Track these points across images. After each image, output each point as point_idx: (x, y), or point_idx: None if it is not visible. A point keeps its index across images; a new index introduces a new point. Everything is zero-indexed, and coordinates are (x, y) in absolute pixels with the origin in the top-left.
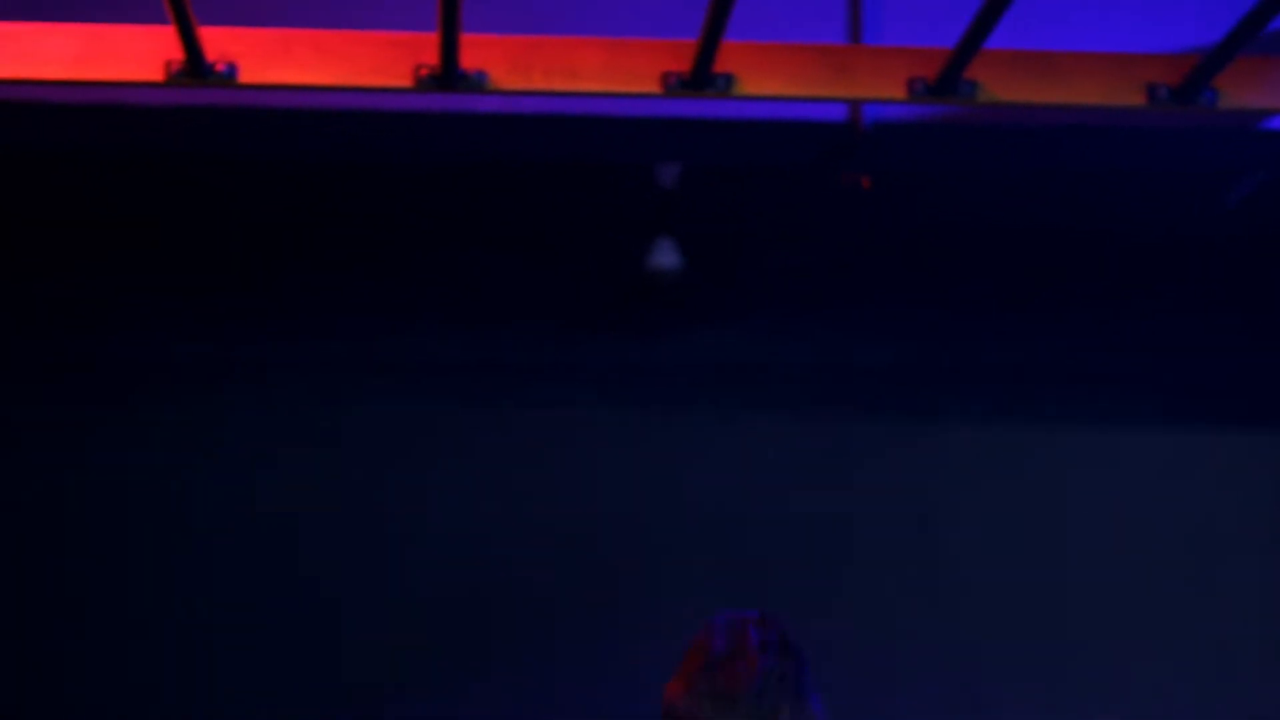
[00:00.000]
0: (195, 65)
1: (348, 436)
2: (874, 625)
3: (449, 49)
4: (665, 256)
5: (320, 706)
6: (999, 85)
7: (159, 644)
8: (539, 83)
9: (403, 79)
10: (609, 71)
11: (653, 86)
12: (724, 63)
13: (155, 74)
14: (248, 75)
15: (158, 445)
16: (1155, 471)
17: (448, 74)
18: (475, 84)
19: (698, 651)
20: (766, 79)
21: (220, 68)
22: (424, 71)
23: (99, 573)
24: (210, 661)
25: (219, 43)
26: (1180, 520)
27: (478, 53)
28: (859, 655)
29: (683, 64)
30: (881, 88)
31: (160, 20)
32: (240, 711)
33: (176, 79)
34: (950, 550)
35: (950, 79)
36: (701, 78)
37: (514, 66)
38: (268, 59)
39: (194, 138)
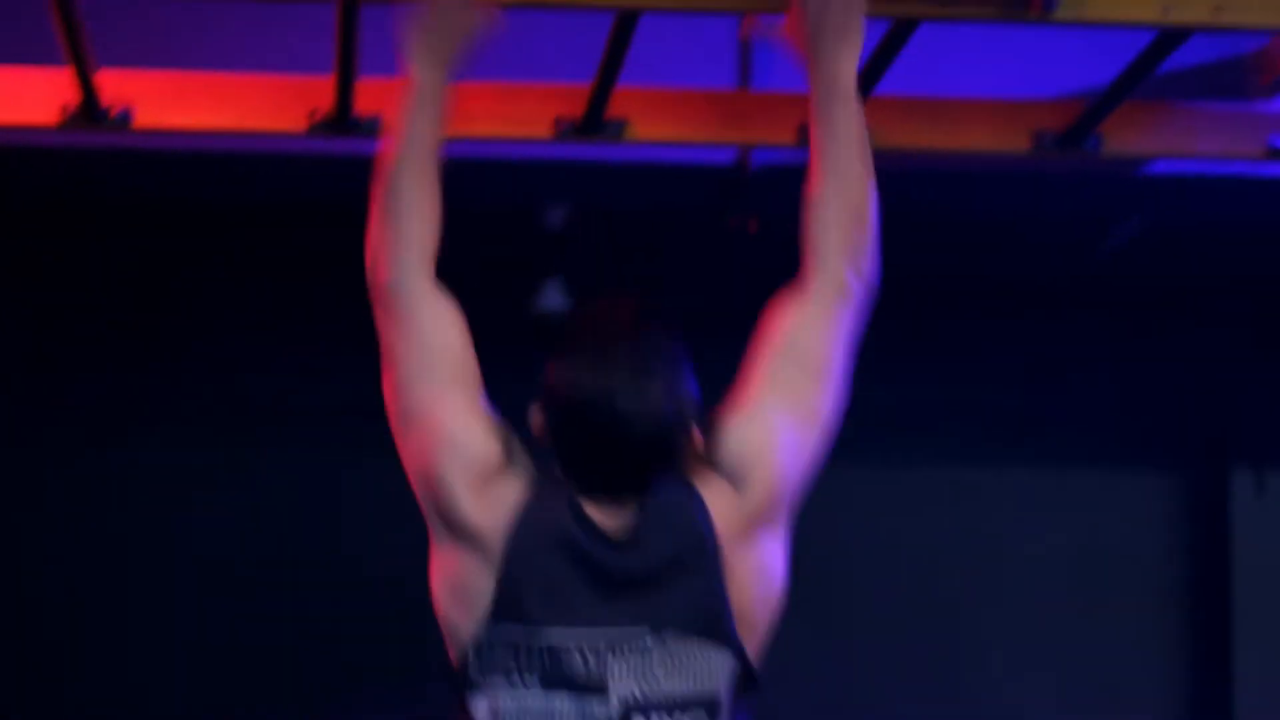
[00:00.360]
0: (90, 109)
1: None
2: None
3: (344, 93)
4: (553, 299)
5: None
6: (887, 131)
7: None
8: None
9: (297, 123)
10: (501, 116)
11: (544, 131)
12: (616, 108)
13: (50, 117)
14: (143, 119)
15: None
16: (1046, 507)
17: (341, 118)
18: (369, 128)
19: (575, 324)
20: (658, 124)
21: (115, 112)
22: (318, 115)
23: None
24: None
25: (115, 85)
26: (1062, 554)
27: (372, 97)
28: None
29: (575, 109)
30: (771, 133)
31: (57, 62)
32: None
33: (71, 122)
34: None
35: None
36: (593, 123)
37: None
38: (163, 102)
39: (89, 179)
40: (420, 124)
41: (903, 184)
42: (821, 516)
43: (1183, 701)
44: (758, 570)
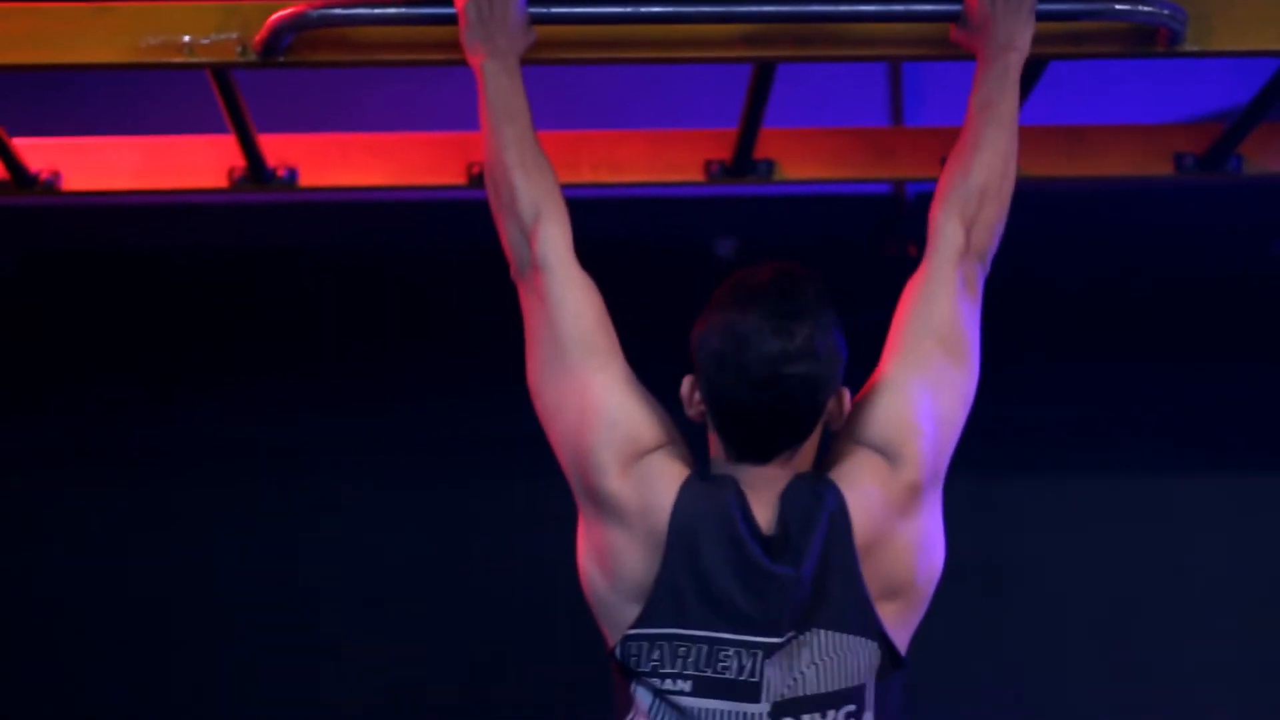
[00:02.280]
0: (257, 171)
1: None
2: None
3: None
4: None
5: None
6: (1029, 160)
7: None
8: (586, 176)
9: (457, 176)
10: (652, 163)
11: (696, 175)
12: (764, 149)
13: (219, 181)
14: (307, 178)
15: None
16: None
17: None
18: None
19: (725, 284)
20: (805, 163)
21: (281, 173)
22: (475, 169)
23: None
24: None
25: (278, 149)
26: (1237, 562)
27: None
28: None
29: (724, 152)
30: (916, 168)
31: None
32: None
33: (240, 185)
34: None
35: None
36: (743, 165)
37: (560, 161)
38: (326, 162)
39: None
40: (500, 113)
41: (1056, 202)
42: (999, 528)
43: None
44: (918, 543)
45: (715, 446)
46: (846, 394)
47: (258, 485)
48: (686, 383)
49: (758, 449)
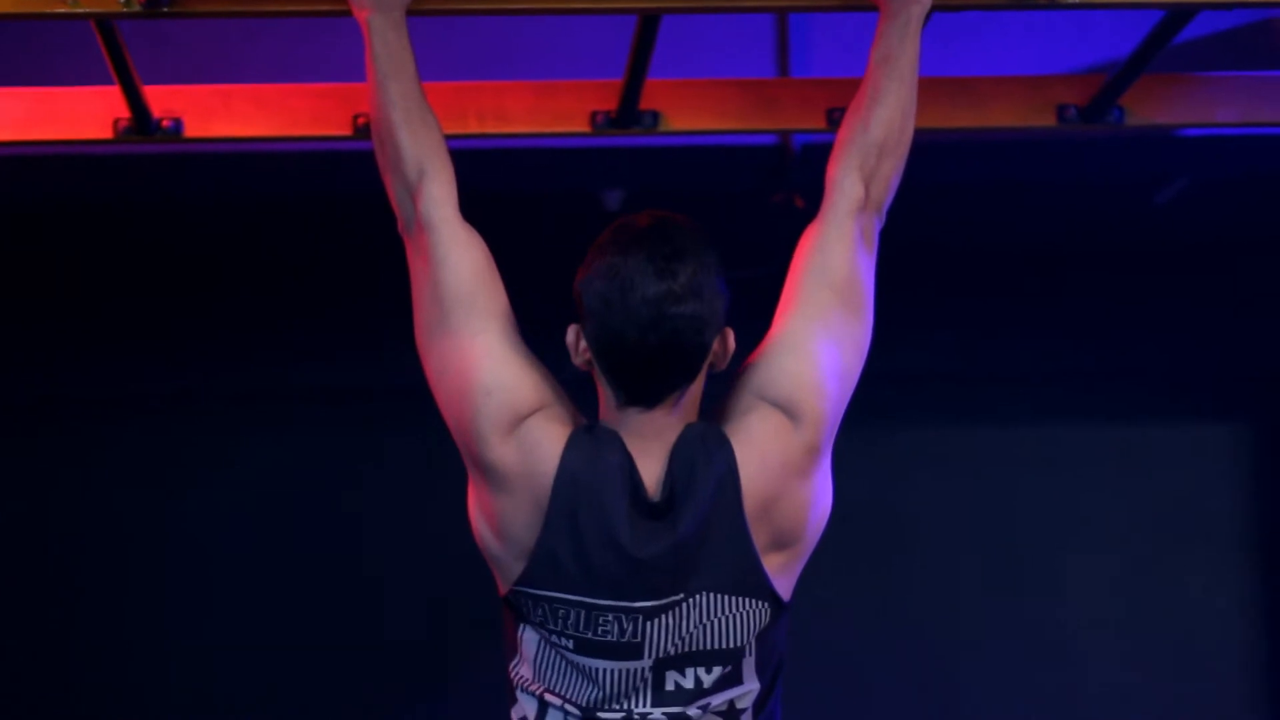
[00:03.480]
0: (142, 122)
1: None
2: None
3: None
4: None
5: None
6: (917, 111)
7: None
8: (473, 126)
9: (342, 128)
10: (538, 114)
11: (581, 126)
12: (650, 100)
13: (104, 131)
14: (193, 130)
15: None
16: (1109, 466)
17: None
18: None
19: (606, 231)
20: (691, 115)
21: (166, 124)
22: (361, 121)
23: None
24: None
25: (163, 100)
26: (1132, 509)
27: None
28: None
29: (609, 103)
30: (801, 119)
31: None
32: None
33: (124, 136)
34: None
35: None
36: (628, 115)
37: (447, 112)
38: (210, 113)
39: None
40: (386, 68)
41: (943, 153)
42: (890, 478)
43: (1261, 652)
44: (810, 499)
45: (603, 394)
46: (730, 333)
47: (133, 435)
48: (571, 331)
49: (646, 392)
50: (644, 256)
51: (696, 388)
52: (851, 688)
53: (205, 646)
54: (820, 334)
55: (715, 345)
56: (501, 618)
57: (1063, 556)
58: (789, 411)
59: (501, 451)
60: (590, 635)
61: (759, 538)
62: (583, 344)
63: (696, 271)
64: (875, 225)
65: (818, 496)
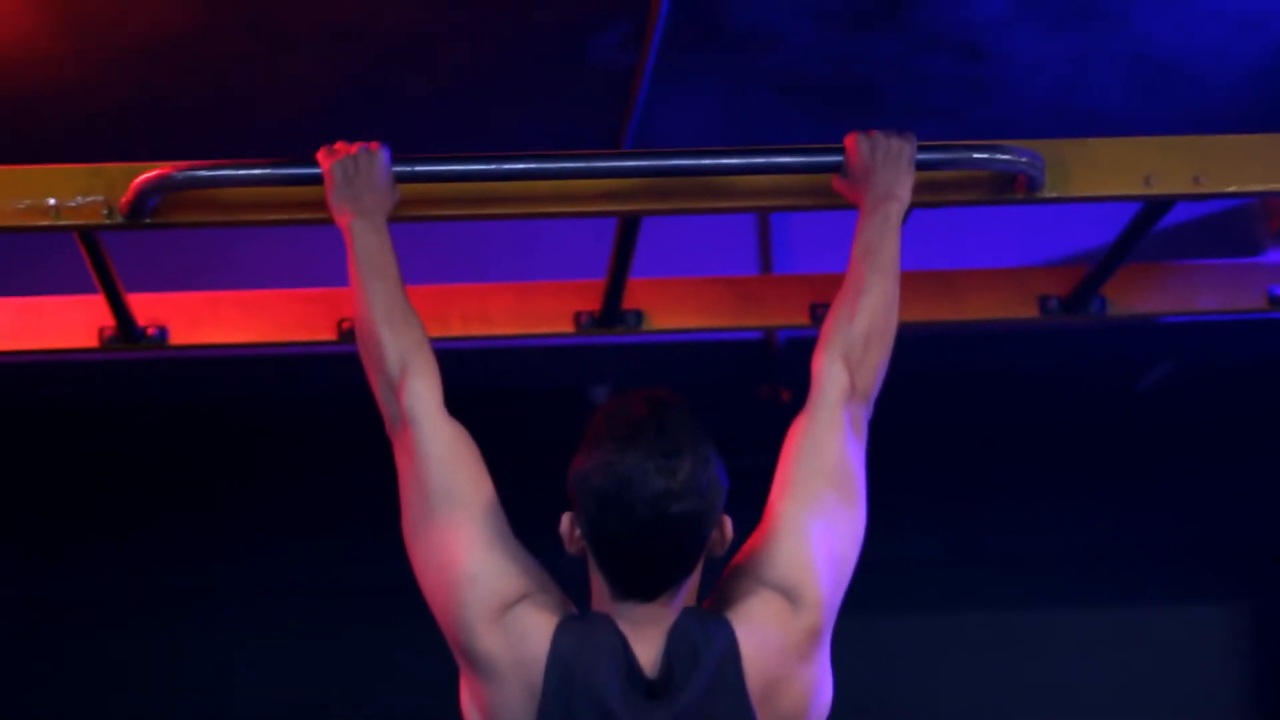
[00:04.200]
0: (127, 331)
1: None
2: None
3: None
4: None
5: None
6: (900, 305)
7: None
8: (456, 329)
9: (327, 333)
10: (521, 315)
11: (565, 326)
12: (633, 299)
13: (89, 340)
14: (178, 337)
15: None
16: (1102, 646)
17: None
18: None
19: (600, 418)
20: (676, 313)
21: (151, 331)
22: (345, 325)
23: None
24: None
25: (148, 308)
26: (1125, 693)
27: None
28: None
29: (593, 303)
30: (786, 315)
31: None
32: None
33: (110, 344)
34: None
35: None
36: (612, 315)
37: (431, 315)
38: (195, 320)
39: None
40: (368, 270)
41: (926, 342)
42: (877, 663)
43: None
44: (813, 685)
45: (596, 583)
46: (728, 521)
47: (118, 636)
48: (565, 519)
49: (642, 588)
50: (642, 454)
51: (695, 577)
52: None
53: None
54: (816, 520)
55: (714, 534)
56: None
57: None
58: (789, 595)
59: (490, 641)
60: None
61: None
62: (577, 533)
63: (695, 466)
64: (864, 414)
65: (820, 684)
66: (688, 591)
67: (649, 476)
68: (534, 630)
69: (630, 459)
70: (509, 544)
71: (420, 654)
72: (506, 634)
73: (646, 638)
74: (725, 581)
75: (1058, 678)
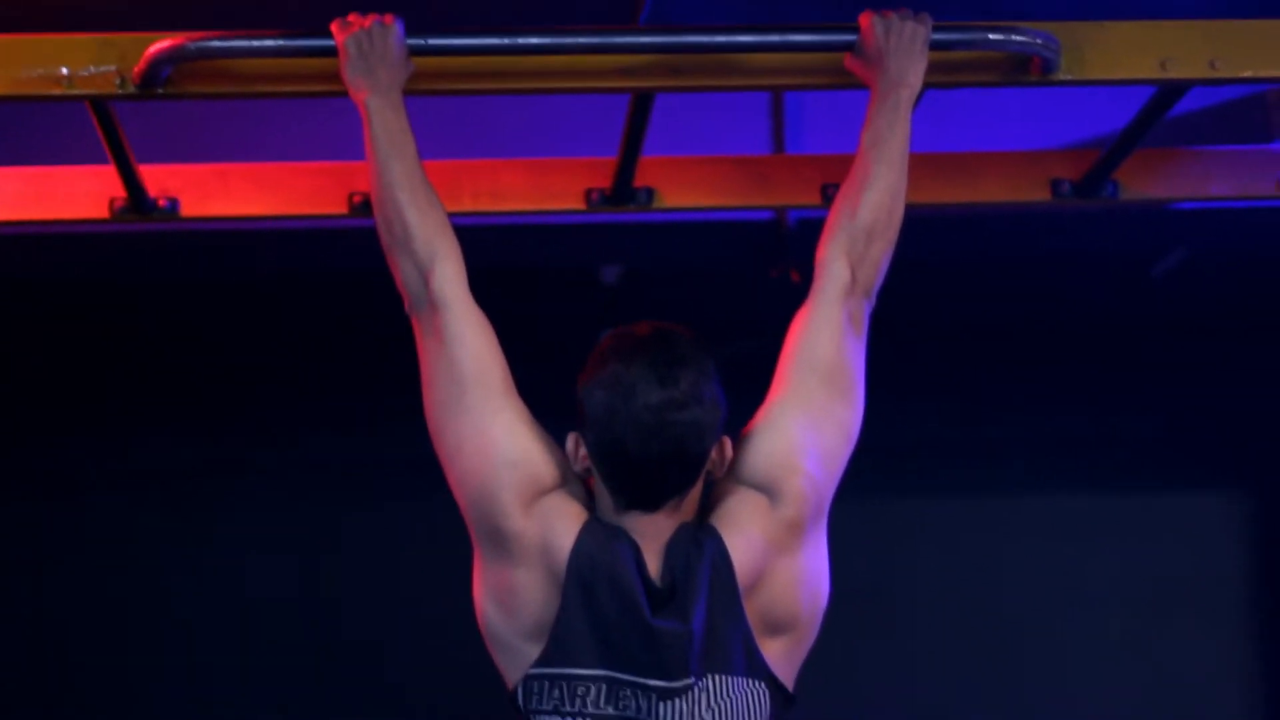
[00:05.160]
0: (138, 202)
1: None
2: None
3: None
4: None
5: None
6: (912, 187)
7: None
8: (468, 204)
9: (338, 206)
10: (533, 191)
11: (576, 203)
12: (645, 177)
13: (100, 211)
14: (189, 209)
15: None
16: (1105, 536)
17: None
18: None
19: (604, 340)
20: (687, 191)
21: (162, 203)
22: (357, 199)
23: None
24: None
25: (159, 179)
26: (1128, 581)
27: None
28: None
29: (604, 181)
30: (797, 195)
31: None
32: None
33: (120, 215)
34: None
35: None
36: (623, 193)
37: (442, 190)
38: (207, 192)
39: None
40: (388, 150)
41: (937, 227)
42: (883, 552)
43: (1259, 711)
44: (801, 579)
45: (602, 500)
46: (728, 442)
47: (126, 510)
48: (571, 439)
49: (646, 498)
50: (646, 364)
51: (695, 491)
52: None
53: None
54: (800, 417)
55: (714, 453)
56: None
57: (1059, 627)
58: (768, 492)
59: (523, 524)
60: (610, 711)
61: (753, 617)
62: (582, 451)
63: (697, 379)
64: (864, 309)
65: (808, 578)
66: (688, 505)
67: (652, 385)
68: (564, 519)
69: (635, 369)
70: (541, 431)
71: (435, 532)
72: (540, 518)
73: (650, 550)
74: (715, 487)
75: (1063, 564)
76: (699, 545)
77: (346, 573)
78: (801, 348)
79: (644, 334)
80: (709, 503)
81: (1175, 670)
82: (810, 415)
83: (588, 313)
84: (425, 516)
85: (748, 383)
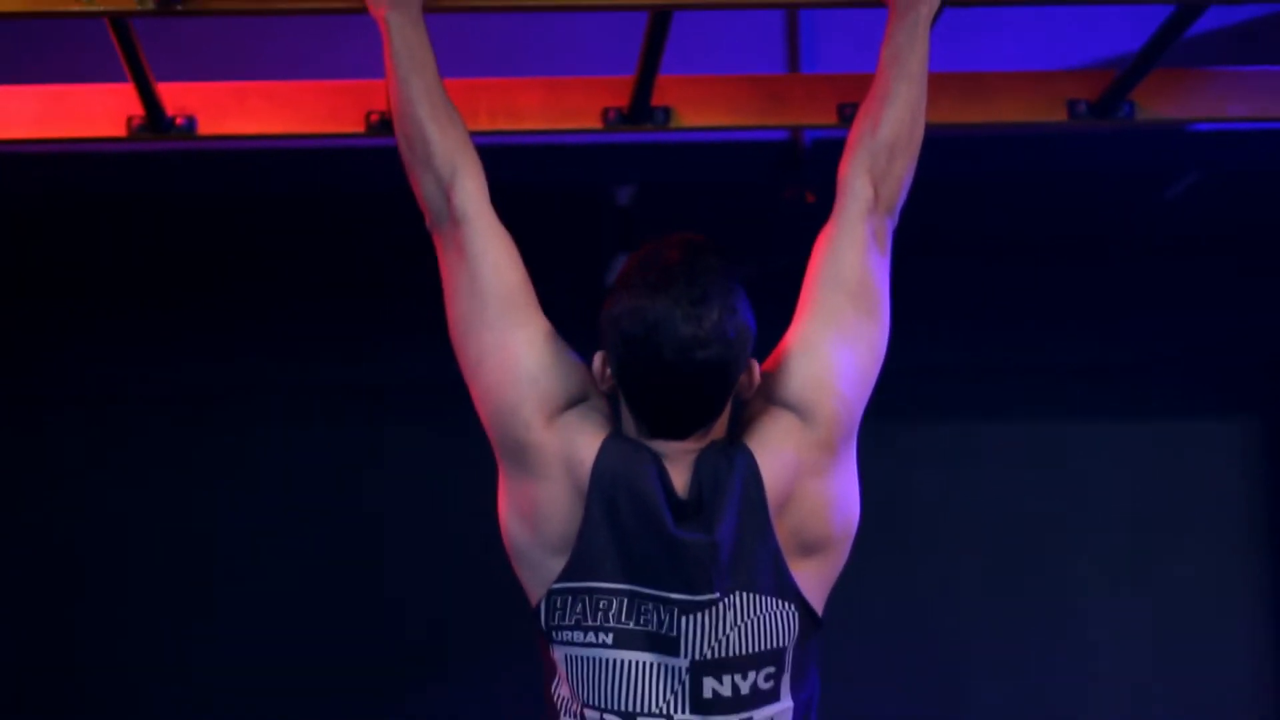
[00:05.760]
0: (155, 120)
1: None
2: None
3: None
4: None
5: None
6: (928, 107)
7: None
8: (484, 123)
9: (355, 125)
10: (550, 110)
11: (593, 122)
12: (661, 96)
13: (118, 129)
14: (206, 127)
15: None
16: (1119, 458)
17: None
18: None
19: (632, 261)
20: (704, 110)
21: (180, 121)
22: (374, 117)
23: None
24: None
25: (177, 97)
26: (1143, 500)
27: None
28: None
29: (621, 100)
30: (813, 115)
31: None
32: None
33: (138, 133)
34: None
35: None
36: (640, 112)
37: (459, 108)
38: (224, 111)
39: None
40: (408, 66)
41: (953, 148)
42: (898, 473)
43: (1272, 629)
44: (832, 500)
45: (628, 419)
46: (755, 366)
47: (143, 430)
48: (598, 359)
49: (671, 428)
50: (671, 300)
51: (724, 417)
52: (857, 684)
53: (214, 640)
54: (833, 336)
55: (741, 379)
56: (535, 639)
57: (1072, 549)
58: (800, 412)
59: (545, 437)
60: (632, 625)
61: (783, 537)
62: (608, 372)
63: (723, 314)
64: (888, 226)
65: (839, 499)
66: (717, 428)
67: (676, 323)
68: (586, 433)
69: (660, 305)
70: (564, 345)
71: (460, 451)
72: (562, 431)
73: (677, 466)
74: (747, 406)
75: (1074, 487)
76: (730, 461)
77: (371, 493)
78: (827, 267)
79: (671, 261)
80: (741, 422)
81: (1182, 591)
82: (841, 335)
83: (601, 232)
84: (449, 435)
85: (774, 302)
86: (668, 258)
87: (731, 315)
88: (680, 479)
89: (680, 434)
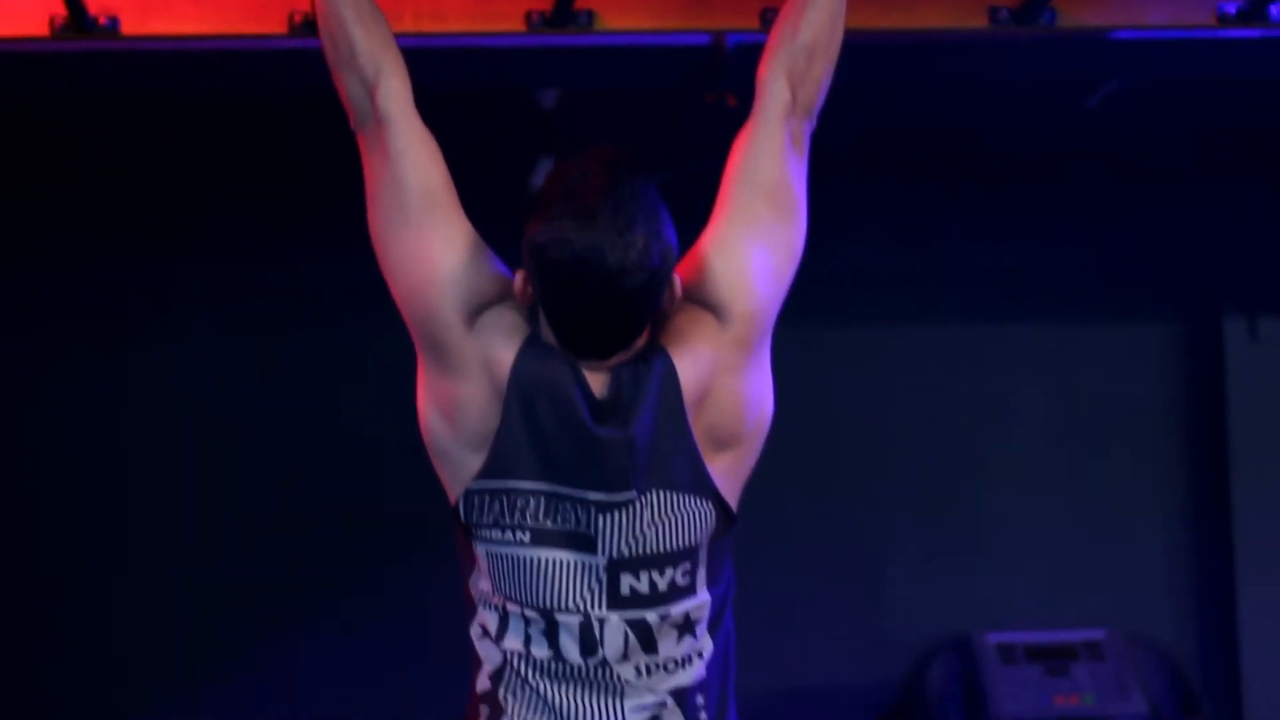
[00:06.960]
0: (79, 20)
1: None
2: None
3: None
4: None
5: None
6: (848, 13)
7: None
8: (409, 25)
9: (278, 25)
10: (474, 13)
11: (516, 25)
12: (584, 0)
13: (41, 29)
14: (130, 27)
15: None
16: (1038, 363)
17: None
18: None
19: (554, 181)
20: (627, 13)
21: (103, 21)
22: (297, 18)
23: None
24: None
25: None
26: (1062, 406)
27: None
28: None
29: (544, 3)
30: (736, 18)
31: None
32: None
33: (61, 33)
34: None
35: None
36: (563, 15)
37: (385, 11)
38: (147, 10)
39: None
40: None
41: (874, 53)
42: (820, 375)
43: (1184, 535)
44: (746, 396)
45: (548, 332)
46: (677, 281)
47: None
48: (519, 277)
49: (594, 352)
50: (598, 231)
51: (646, 333)
52: (774, 578)
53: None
54: (750, 237)
55: (664, 295)
56: (455, 534)
57: (989, 451)
58: (718, 312)
59: (464, 337)
60: (549, 524)
61: (699, 433)
62: (530, 290)
63: (648, 240)
64: (805, 129)
65: (753, 395)
66: (638, 342)
67: (603, 253)
68: (505, 333)
69: (585, 235)
70: (485, 247)
71: (382, 354)
72: (481, 331)
73: (596, 373)
74: None
75: (996, 392)
76: (647, 362)
77: (292, 392)
78: (745, 168)
79: (594, 187)
80: (658, 322)
81: (1097, 493)
82: (757, 235)
83: (523, 137)
84: (371, 336)
85: (691, 205)
86: (590, 183)
87: (656, 240)
88: (598, 382)
89: (603, 355)
